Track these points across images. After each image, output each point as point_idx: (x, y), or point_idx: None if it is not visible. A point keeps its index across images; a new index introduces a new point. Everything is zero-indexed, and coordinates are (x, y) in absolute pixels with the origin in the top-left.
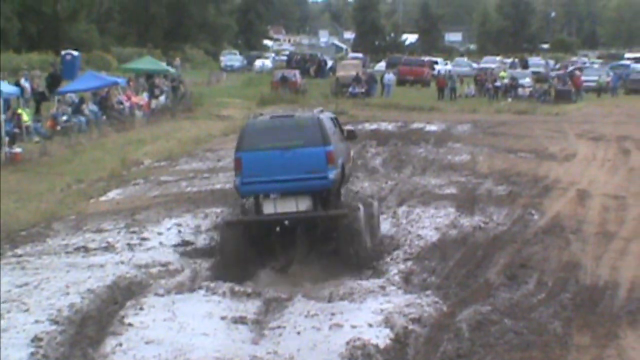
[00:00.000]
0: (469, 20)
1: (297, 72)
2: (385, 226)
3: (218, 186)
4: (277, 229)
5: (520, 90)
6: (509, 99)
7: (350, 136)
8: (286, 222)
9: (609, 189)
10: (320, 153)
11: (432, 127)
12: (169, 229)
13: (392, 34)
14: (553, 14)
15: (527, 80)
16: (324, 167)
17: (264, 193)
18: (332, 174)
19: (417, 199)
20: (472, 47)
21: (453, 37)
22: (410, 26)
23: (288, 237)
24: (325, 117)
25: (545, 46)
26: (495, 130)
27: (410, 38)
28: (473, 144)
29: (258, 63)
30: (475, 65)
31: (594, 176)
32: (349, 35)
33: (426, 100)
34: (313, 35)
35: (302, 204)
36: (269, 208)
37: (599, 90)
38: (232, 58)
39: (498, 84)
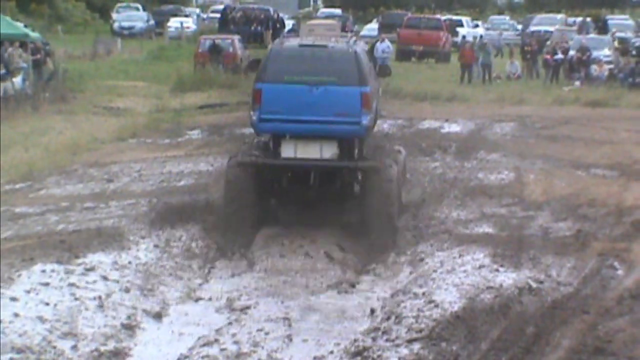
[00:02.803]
0: None
1: (235, 38)
2: (381, 287)
3: (109, 222)
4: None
5: (594, 69)
6: (577, 83)
7: (383, 72)
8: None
9: None
10: (355, 94)
11: (454, 128)
12: (27, 292)
13: None
14: None
15: (605, 53)
16: (357, 111)
17: (284, 133)
18: (366, 120)
19: (430, 242)
20: None
21: None
22: None
23: (303, 188)
24: (361, 48)
25: None
26: (555, 133)
27: None
28: (519, 154)
29: (173, 24)
30: (521, 28)
31: None
32: None
33: (444, 84)
34: None
35: (328, 151)
36: (288, 151)
37: None
38: (131, 16)
39: (559, 56)
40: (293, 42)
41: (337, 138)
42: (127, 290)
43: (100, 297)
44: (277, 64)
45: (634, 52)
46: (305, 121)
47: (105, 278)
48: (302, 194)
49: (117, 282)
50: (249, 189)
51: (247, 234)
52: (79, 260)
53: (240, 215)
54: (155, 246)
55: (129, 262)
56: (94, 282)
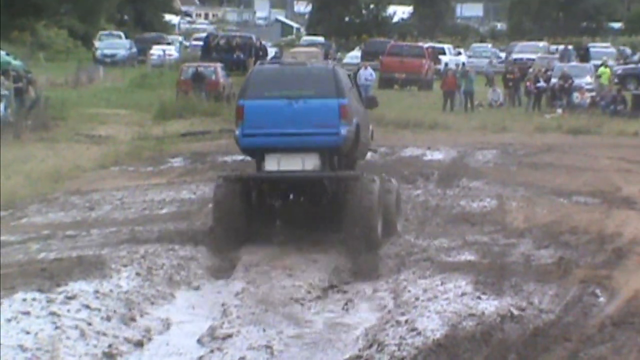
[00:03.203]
0: None
1: (218, 66)
2: (363, 314)
3: (91, 250)
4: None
5: (576, 97)
6: (559, 110)
7: (371, 104)
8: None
9: None
10: (333, 105)
11: (436, 155)
12: (8, 320)
13: (372, 6)
14: None
15: (587, 80)
16: (336, 122)
17: (266, 147)
18: (345, 130)
19: (413, 269)
20: (500, 26)
21: (470, 10)
22: None
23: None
24: (341, 70)
25: (617, 25)
26: (537, 160)
27: (400, 12)
28: (501, 182)
29: (156, 52)
30: (504, 55)
31: None
32: (303, 7)
33: (426, 111)
34: (245, 7)
35: (309, 163)
36: (271, 164)
37: None
38: (113, 44)
39: (542, 84)
40: (274, 64)
41: (318, 150)
42: (108, 319)
43: (81, 326)
44: (258, 82)
45: (615, 80)
46: (287, 134)
47: (86, 306)
48: (288, 211)
49: (99, 310)
50: (236, 207)
51: (233, 256)
52: (60, 289)
53: (229, 233)
54: (137, 274)
55: (111, 290)
56: (75, 310)
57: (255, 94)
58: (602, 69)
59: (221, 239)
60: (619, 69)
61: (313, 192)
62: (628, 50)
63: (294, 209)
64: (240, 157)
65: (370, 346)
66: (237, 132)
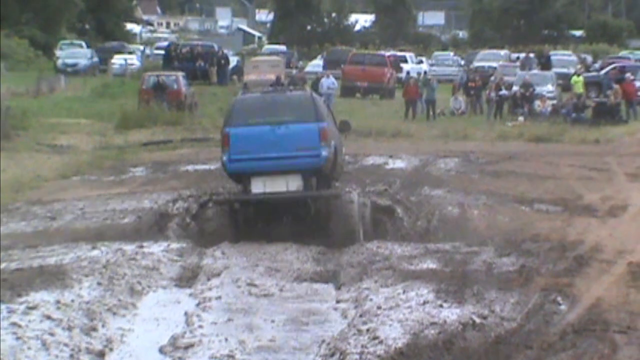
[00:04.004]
0: None
1: (180, 75)
2: (325, 323)
3: (51, 260)
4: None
5: (537, 105)
6: (521, 118)
7: (344, 128)
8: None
9: None
10: (313, 129)
11: (398, 164)
12: None
13: (334, 14)
14: None
15: (548, 88)
16: (316, 144)
17: (252, 171)
18: (326, 152)
19: (374, 278)
20: (462, 34)
21: (431, 19)
22: (363, 1)
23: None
24: (319, 98)
25: (578, 33)
26: (499, 168)
27: (362, 20)
28: (463, 190)
29: (117, 61)
30: (464, 63)
31: None
32: (265, 16)
33: (388, 119)
34: (207, 16)
35: (293, 184)
36: (257, 187)
37: None
38: (74, 53)
39: (504, 92)
40: (255, 92)
41: (301, 171)
42: (70, 329)
43: (43, 337)
44: (241, 110)
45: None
46: (271, 158)
47: (48, 317)
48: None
49: (60, 320)
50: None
51: (195, 265)
52: (22, 299)
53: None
54: (99, 284)
55: (72, 301)
56: (37, 321)
57: (239, 122)
58: (575, 77)
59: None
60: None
61: (297, 210)
62: (589, 58)
63: (278, 226)
64: (202, 167)
65: (332, 355)
66: (224, 158)
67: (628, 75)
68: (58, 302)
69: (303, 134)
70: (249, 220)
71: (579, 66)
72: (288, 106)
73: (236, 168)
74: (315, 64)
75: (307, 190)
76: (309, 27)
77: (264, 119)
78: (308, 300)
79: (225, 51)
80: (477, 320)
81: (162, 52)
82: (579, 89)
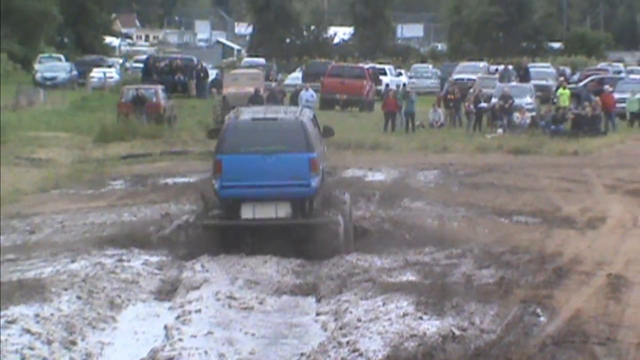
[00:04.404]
0: (434, 4)
1: (159, 88)
2: (305, 336)
3: (31, 274)
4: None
5: (516, 117)
6: (500, 130)
7: (327, 133)
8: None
9: None
10: (304, 159)
11: (377, 176)
12: None
13: (313, 27)
14: None
15: (527, 100)
16: (306, 175)
17: (243, 197)
18: (315, 182)
19: (354, 290)
20: (441, 46)
21: (410, 31)
22: (342, 14)
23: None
24: (307, 118)
25: (557, 45)
26: (478, 180)
27: (341, 33)
28: (442, 202)
29: (96, 74)
30: (440, 75)
31: (635, 253)
32: (244, 29)
33: (367, 132)
34: (186, 29)
35: (282, 211)
36: (247, 212)
37: None
38: (53, 66)
39: (483, 105)
40: (247, 115)
41: (290, 199)
42: (49, 343)
43: (22, 350)
44: (233, 137)
45: (555, 100)
46: (262, 186)
47: (27, 330)
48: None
49: (40, 334)
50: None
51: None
52: (1, 313)
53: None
54: (78, 297)
55: (51, 314)
56: (16, 335)
57: (231, 149)
58: (560, 90)
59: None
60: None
61: (284, 235)
62: (568, 70)
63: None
64: (181, 180)
65: None
66: (215, 185)
67: (606, 87)
68: (37, 315)
69: (293, 164)
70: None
71: (561, 78)
72: (279, 134)
73: (228, 194)
74: (295, 77)
75: (295, 218)
76: (288, 40)
77: (256, 147)
78: (288, 313)
79: (204, 64)
80: (457, 333)
81: (141, 65)
82: (565, 101)
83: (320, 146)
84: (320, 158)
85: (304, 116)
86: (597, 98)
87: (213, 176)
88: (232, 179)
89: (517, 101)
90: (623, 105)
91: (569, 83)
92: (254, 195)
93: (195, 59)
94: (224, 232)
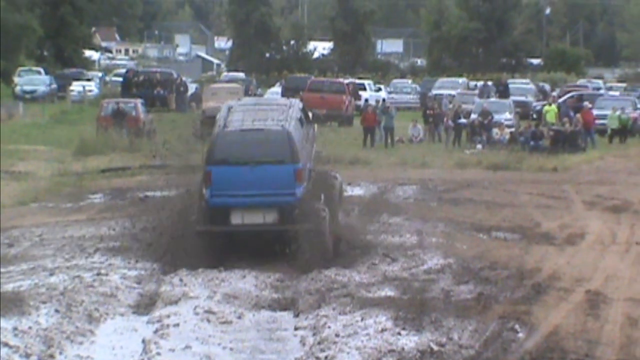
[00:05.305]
0: (414, 20)
1: (138, 102)
2: (283, 352)
3: (9, 287)
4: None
5: (496, 132)
6: (479, 146)
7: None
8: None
9: (636, 291)
10: (289, 171)
11: (357, 191)
12: None
13: (293, 42)
14: (548, 11)
15: (506, 116)
16: (292, 185)
17: (232, 206)
18: (299, 191)
19: (333, 305)
20: (420, 62)
21: (390, 46)
22: (322, 29)
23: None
24: (294, 121)
25: (536, 62)
26: (457, 196)
27: (321, 47)
28: (421, 217)
29: (76, 88)
30: (419, 90)
31: (614, 269)
32: (224, 43)
33: (346, 147)
34: (166, 43)
35: (269, 217)
36: (236, 218)
37: (621, 131)
38: (33, 80)
39: (462, 121)
40: (236, 123)
41: (277, 207)
42: (27, 356)
43: None
44: (221, 148)
45: (534, 116)
46: (249, 195)
47: (5, 344)
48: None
49: (18, 348)
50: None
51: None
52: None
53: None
54: (56, 311)
55: (30, 328)
56: None
57: (220, 160)
58: (547, 107)
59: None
60: (538, 105)
61: (273, 241)
62: (547, 87)
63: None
64: (161, 194)
65: None
66: (206, 194)
67: (586, 103)
68: (15, 329)
69: (280, 175)
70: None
71: (554, 94)
72: (266, 146)
73: (217, 203)
74: (274, 91)
75: (282, 224)
76: (267, 55)
77: (243, 158)
78: (266, 327)
79: (184, 78)
80: (435, 348)
81: (121, 79)
82: (551, 118)
83: (307, 144)
84: (307, 160)
85: (291, 121)
86: (578, 115)
87: (204, 186)
88: (221, 189)
89: (496, 117)
90: (603, 121)
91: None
92: (242, 204)
93: (174, 73)
94: (212, 242)
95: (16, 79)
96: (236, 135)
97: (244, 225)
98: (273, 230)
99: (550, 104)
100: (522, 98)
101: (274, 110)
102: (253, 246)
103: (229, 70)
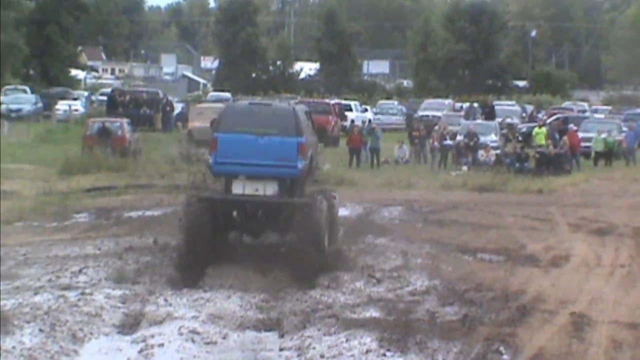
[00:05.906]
0: (400, 41)
1: (124, 121)
2: None
3: None
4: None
5: (481, 154)
6: (465, 167)
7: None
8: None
9: (621, 314)
10: (293, 143)
11: (342, 212)
12: None
13: (279, 62)
14: (534, 34)
15: (492, 138)
16: (294, 157)
17: (234, 173)
18: (301, 164)
19: (318, 326)
20: (406, 83)
21: (376, 67)
22: (308, 49)
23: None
24: (300, 109)
25: (522, 84)
26: (443, 217)
27: (307, 68)
28: (407, 238)
29: (61, 106)
30: (406, 111)
31: (599, 292)
32: (210, 63)
33: (332, 167)
34: (152, 62)
35: (270, 189)
36: (238, 188)
37: (607, 154)
38: (18, 98)
39: (448, 142)
40: (244, 102)
41: (278, 178)
42: None
43: None
44: (230, 117)
45: (520, 138)
46: (253, 164)
47: None
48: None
49: None
50: (205, 224)
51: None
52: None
53: (195, 249)
54: (40, 330)
55: (13, 347)
56: None
57: (227, 128)
58: (536, 129)
59: (188, 254)
60: (523, 127)
61: (271, 213)
62: (529, 108)
63: (253, 228)
64: (146, 214)
65: None
66: (210, 160)
67: (571, 126)
68: None
69: (283, 146)
70: (227, 219)
71: (545, 117)
72: (272, 118)
73: (220, 170)
74: None
75: (282, 196)
76: (254, 75)
77: (250, 128)
78: (251, 348)
79: (170, 98)
80: None
81: (106, 98)
82: (541, 140)
83: (312, 137)
84: (309, 145)
85: (297, 107)
86: (565, 137)
87: (209, 153)
88: (226, 156)
89: (482, 139)
90: (588, 144)
91: (530, 121)
92: (244, 172)
93: (161, 93)
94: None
95: (1, 98)
96: (245, 107)
97: (244, 196)
98: (272, 202)
99: (540, 127)
100: (508, 120)
101: (280, 101)
102: (250, 226)
103: (215, 90)
